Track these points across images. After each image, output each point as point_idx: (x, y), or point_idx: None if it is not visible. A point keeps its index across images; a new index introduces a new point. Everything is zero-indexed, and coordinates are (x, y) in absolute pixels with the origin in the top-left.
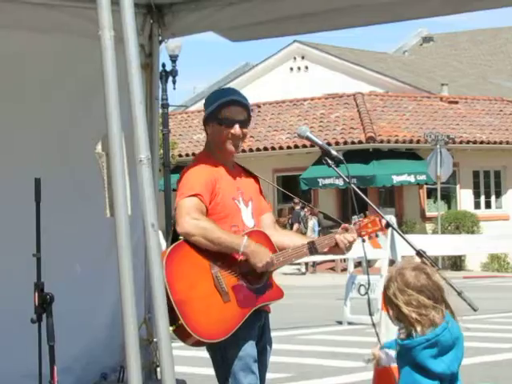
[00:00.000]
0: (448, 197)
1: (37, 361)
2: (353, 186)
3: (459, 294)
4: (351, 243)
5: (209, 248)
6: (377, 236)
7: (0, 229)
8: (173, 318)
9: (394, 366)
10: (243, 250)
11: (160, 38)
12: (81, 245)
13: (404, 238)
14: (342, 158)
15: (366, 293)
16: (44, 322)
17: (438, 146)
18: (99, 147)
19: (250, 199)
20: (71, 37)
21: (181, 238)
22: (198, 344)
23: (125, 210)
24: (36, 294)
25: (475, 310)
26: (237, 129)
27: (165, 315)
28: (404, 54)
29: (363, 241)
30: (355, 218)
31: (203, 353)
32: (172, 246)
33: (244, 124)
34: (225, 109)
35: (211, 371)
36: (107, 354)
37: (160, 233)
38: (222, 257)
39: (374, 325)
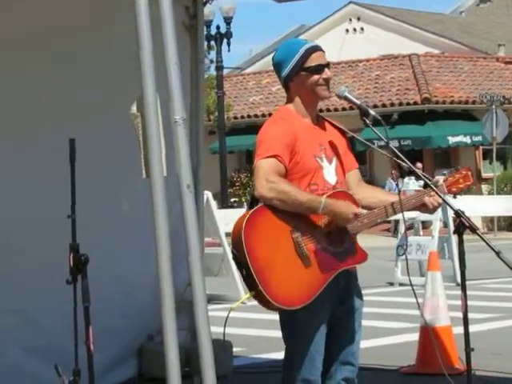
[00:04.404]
0: (504, 158)
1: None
2: (391, 146)
3: (497, 254)
4: (440, 204)
5: (287, 210)
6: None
7: (36, 190)
8: (252, 284)
9: (439, 326)
10: (323, 210)
11: None
12: (122, 208)
13: (443, 199)
14: (380, 117)
15: (404, 253)
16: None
17: (493, 107)
18: (134, 108)
19: (334, 155)
20: None
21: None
22: (278, 309)
23: (160, 171)
24: (71, 256)
25: None
26: (328, 72)
27: (201, 277)
28: (461, 15)
29: (454, 197)
30: (446, 174)
31: (249, 314)
32: (252, 211)
33: (329, 67)
34: (310, 57)
35: (258, 332)
36: (153, 315)
37: (210, 194)
38: (303, 221)
39: (412, 285)
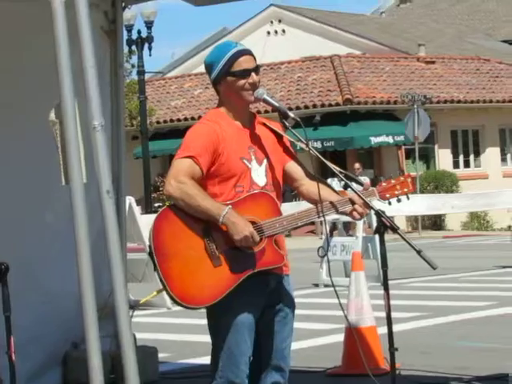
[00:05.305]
0: (427, 157)
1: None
2: (312, 148)
3: (418, 252)
4: (365, 212)
5: (190, 212)
6: (408, 198)
7: None
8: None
9: (364, 326)
10: (222, 221)
11: (123, 4)
12: (44, 215)
13: (363, 199)
14: (299, 119)
15: (325, 255)
16: None
17: (415, 107)
18: (53, 115)
19: (265, 157)
20: (22, 3)
21: None
22: (182, 306)
23: (80, 178)
24: None
25: (434, 269)
26: (254, 77)
27: (122, 283)
28: (381, 16)
29: (389, 203)
30: (382, 179)
31: (175, 319)
32: (163, 209)
33: (257, 71)
34: (236, 61)
35: (182, 337)
36: (77, 323)
37: (133, 199)
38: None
39: (334, 286)
